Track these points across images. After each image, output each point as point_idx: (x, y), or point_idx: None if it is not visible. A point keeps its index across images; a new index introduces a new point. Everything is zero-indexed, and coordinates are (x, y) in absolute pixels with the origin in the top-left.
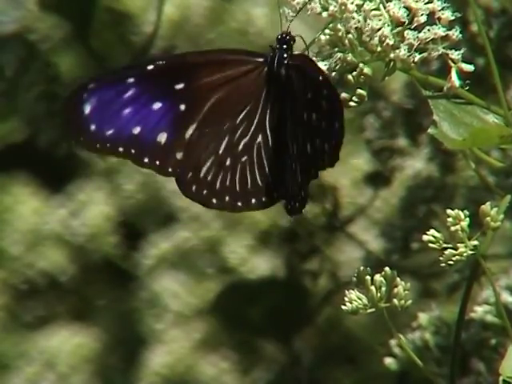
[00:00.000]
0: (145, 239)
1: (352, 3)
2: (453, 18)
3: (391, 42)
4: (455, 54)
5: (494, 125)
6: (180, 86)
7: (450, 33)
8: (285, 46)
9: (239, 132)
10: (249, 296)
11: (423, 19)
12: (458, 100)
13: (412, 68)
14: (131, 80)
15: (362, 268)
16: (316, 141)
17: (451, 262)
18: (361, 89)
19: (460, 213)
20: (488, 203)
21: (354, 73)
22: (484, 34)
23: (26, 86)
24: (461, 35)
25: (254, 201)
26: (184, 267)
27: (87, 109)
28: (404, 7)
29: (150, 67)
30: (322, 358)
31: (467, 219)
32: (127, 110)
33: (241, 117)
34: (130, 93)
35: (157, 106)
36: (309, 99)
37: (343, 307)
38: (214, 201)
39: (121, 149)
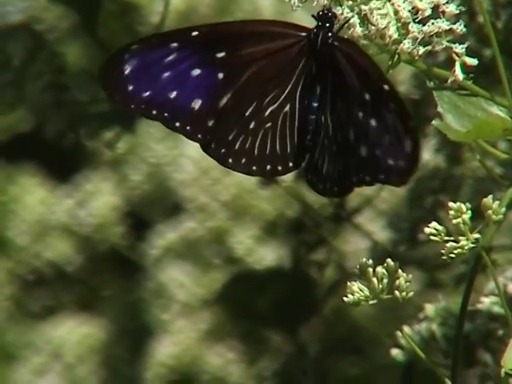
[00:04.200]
0: (151, 229)
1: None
2: (457, 11)
3: (395, 36)
4: (459, 48)
5: (497, 117)
6: (221, 55)
7: (454, 26)
8: (328, 25)
9: (268, 98)
10: (255, 286)
11: (427, 13)
12: (463, 91)
13: (416, 61)
14: (174, 44)
15: (364, 259)
16: (375, 150)
17: (453, 255)
18: None
19: (462, 205)
20: (490, 196)
21: None
22: (489, 25)
23: (33, 75)
24: (465, 28)
25: (269, 167)
26: (190, 257)
27: (127, 69)
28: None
29: (195, 33)
30: (328, 349)
31: (469, 212)
32: (166, 74)
33: (273, 85)
34: (171, 57)
35: (196, 72)
36: (366, 101)
37: (345, 299)
38: (230, 160)
39: (154, 111)
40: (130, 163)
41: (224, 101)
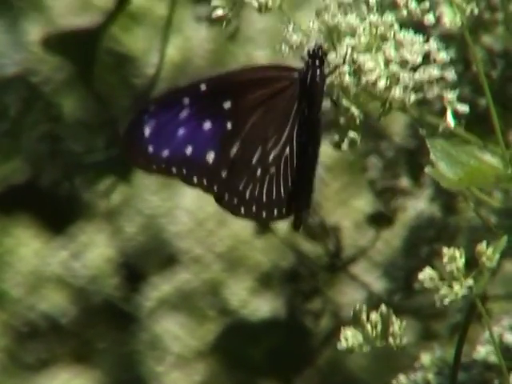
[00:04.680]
0: (146, 281)
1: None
2: (448, 59)
3: (386, 84)
4: (450, 95)
5: (490, 165)
6: (227, 105)
7: (446, 74)
8: (317, 63)
9: (271, 144)
10: (250, 337)
11: (419, 60)
12: (456, 139)
13: (408, 108)
14: (186, 101)
15: (358, 305)
16: None
17: (446, 302)
18: (354, 132)
19: (456, 252)
20: (484, 242)
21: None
22: (483, 74)
23: (29, 125)
24: (460, 77)
25: (276, 212)
26: (185, 309)
27: (147, 131)
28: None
29: (203, 86)
30: None
31: (463, 258)
32: (181, 131)
33: (273, 129)
34: (184, 113)
35: (207, 125)
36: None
37: (339, 345)
38: (243, 210)
39: (174, 169)
40: (125, 215)
41: (234, 150)
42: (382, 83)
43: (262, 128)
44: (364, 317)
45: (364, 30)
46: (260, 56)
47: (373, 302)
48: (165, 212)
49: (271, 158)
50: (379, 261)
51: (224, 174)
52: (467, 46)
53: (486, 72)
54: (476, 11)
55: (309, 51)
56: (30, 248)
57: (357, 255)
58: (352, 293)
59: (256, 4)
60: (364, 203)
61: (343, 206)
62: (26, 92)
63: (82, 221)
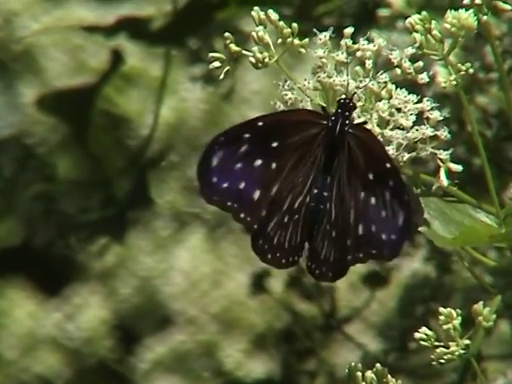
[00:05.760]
0: (140, 343)
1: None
2: (441, 118)
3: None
4: (443, 154)
5: (484, 224)
6: (275, 144)
7: (439, 133)
8: (347, 113)
9: (297, 191)
10: None
11: (412, 119)
12: (450, 198)
13: (402, 167)
14: (247, 135)
15: (353, 364)
16: (371, 226)
17: (443, 361)
18: None
19: (452, 311)
20: (481, 303)
21: None
22: (477, 134)
23: (23, 185)
24: (455, 137)
25: (291, 259)
26: (180, 371)
27: (214, 161)
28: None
29: (260, 123)
30: None
31: (459, 318)
32: (239, 165)
33: (301, 176)
34: (243, 148)
35: (258, 162)
36: (369, 181)
37: None
38: (269, 256)
39: (229, 203)
40: (119, 276)
41: (274, 191)
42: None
43: (294, 174)
44: (359, 375)
45: (359, 90)
46: (254, 115)
47: (367, 363)
48: (159, 273)
49: (296, 205)
50: (374, 321)
51: (264, 212)
52: (462, 106)
53: (481, 132)
54: (471, 70)
55: (340, 100)
56: (24, 310)
57: (352, 315)
58: (347, 353)
59: (253, 60)
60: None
61: None
62: (21, 153)
63: (76, 282)
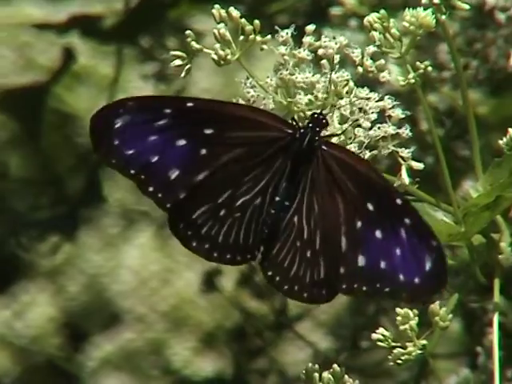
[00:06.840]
0: (89, 341)
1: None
2: (403, 116)
3: (338, 140)
4: (405, 152)
5: (443, 222)
6: (209, 132)
7: (400, 131)
8: (317, 128)
9: (243, 189)
10: None
11: (373, 117)
12: (409, 197)
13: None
14: (168, 111)
15: (310, 365)
16: (379, 261)
17: (400, 361)
18: None
19: (409, 311)
20: (437, 303)
21: None
22: (435, 132)
23: None
24: (410, 133)
25: (228, 256)
26: (128, 369)
27: (118, 123)
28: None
29: (190, 104)
30: None
31: (416, 318)
32: (153, 138)
33: (250, 176)
34: (161, 122)
35: (181, 142)
36: (369, 211)
37: None
38: (194, 244)
39: (132, 171)
40: (68, 274)
41: (200, 177)
42: (334, 140)
43: (237, 171)
44: (316, 376)
45: (321, 87)
46: None
47: (319, 360)
48: (108, 271)
49: (239, 202)
50: (325, 319)
51: (182, 195)
52: (414, 104)
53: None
54: (430, 69)
55: (313, 115)
56: None
57: (302, 314)
58: (297, 352)
59: (215, 57)
60: None
61: None
62: None
63: (25, 280)
